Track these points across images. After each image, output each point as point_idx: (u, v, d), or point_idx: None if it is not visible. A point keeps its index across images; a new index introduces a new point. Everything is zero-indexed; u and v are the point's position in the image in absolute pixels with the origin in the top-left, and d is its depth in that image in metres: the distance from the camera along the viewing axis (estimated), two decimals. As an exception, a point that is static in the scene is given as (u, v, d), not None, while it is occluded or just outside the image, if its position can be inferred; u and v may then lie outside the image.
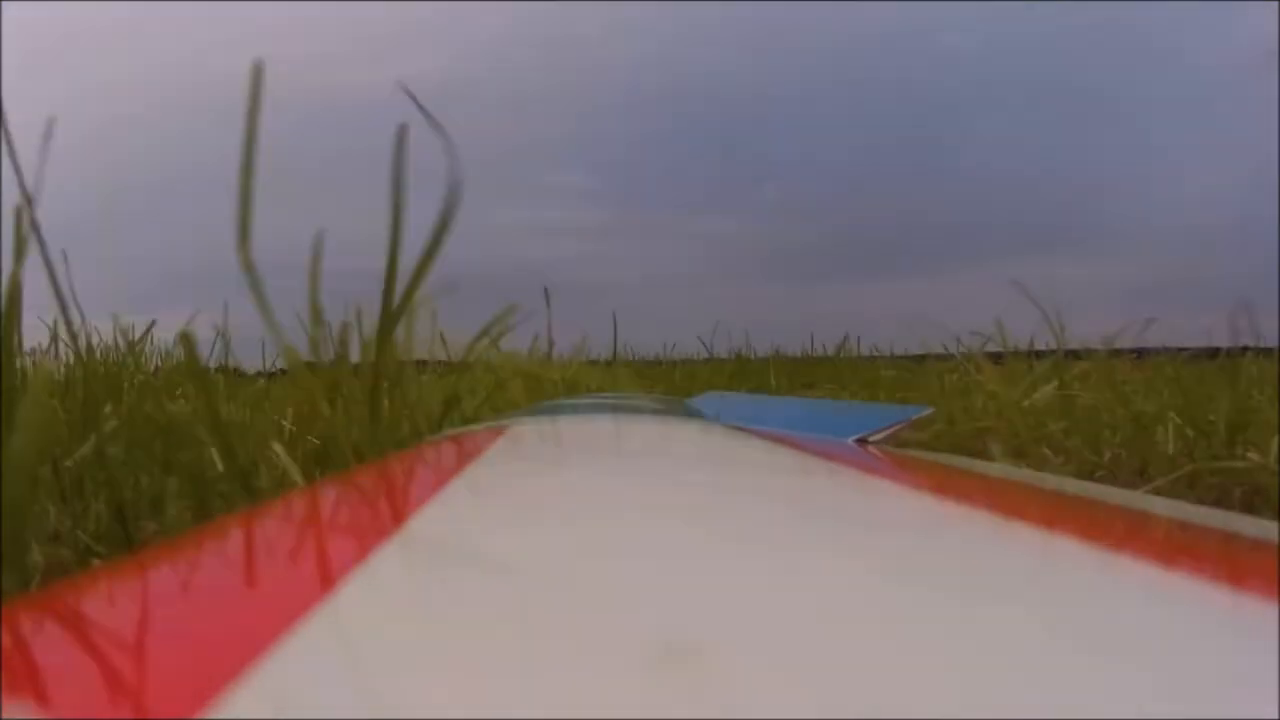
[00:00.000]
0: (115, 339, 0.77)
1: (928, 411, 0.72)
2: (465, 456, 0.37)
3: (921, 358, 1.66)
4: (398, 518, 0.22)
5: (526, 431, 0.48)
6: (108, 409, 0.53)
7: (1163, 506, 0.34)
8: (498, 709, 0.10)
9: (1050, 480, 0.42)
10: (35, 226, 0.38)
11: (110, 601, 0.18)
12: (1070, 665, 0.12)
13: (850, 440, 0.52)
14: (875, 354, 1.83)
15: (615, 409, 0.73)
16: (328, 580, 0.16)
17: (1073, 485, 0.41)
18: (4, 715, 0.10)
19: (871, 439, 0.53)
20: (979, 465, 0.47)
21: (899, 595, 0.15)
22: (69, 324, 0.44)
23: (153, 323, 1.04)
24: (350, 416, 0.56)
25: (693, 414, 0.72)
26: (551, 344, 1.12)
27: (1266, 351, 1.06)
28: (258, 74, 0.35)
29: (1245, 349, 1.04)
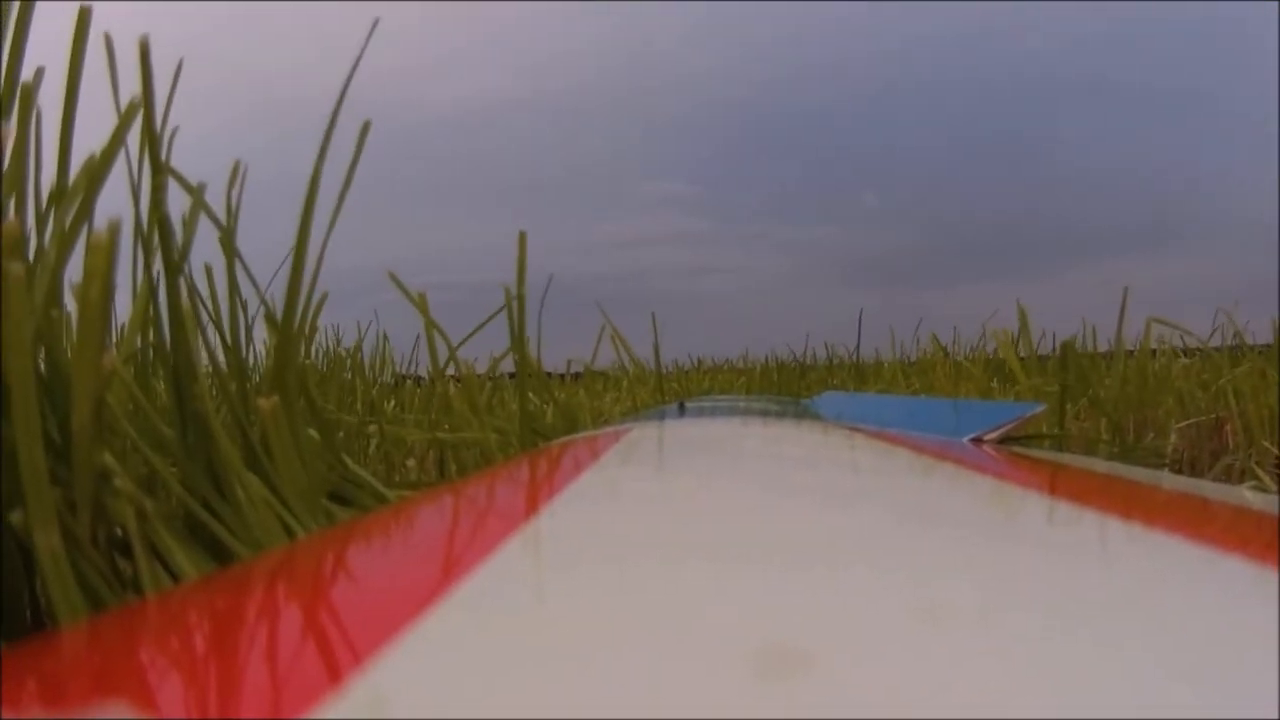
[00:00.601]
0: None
1: (1041, 408, 0.71)
2: (586, 459, 0.37)
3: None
4: (517, 519, 0.23)
5: (647, 435, 0.49)
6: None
7: (1263, 501, 0.34)
8: (602, 710, 0.10)
9: (1165, 477, 0.42)
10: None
11: (239, 599, 0.20)
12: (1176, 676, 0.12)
13: (965, 439, 0.51)
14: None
15: (733, 411, 0.73)
16: (449, 577, 0.17)
17: (1184, 482, 0.41)
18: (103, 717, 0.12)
19: (986, 437, 0.53)
20: (1093, 462, 0.47)
21: (1012, 600, 0.15)
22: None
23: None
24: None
25: (810, 415, 0.72)
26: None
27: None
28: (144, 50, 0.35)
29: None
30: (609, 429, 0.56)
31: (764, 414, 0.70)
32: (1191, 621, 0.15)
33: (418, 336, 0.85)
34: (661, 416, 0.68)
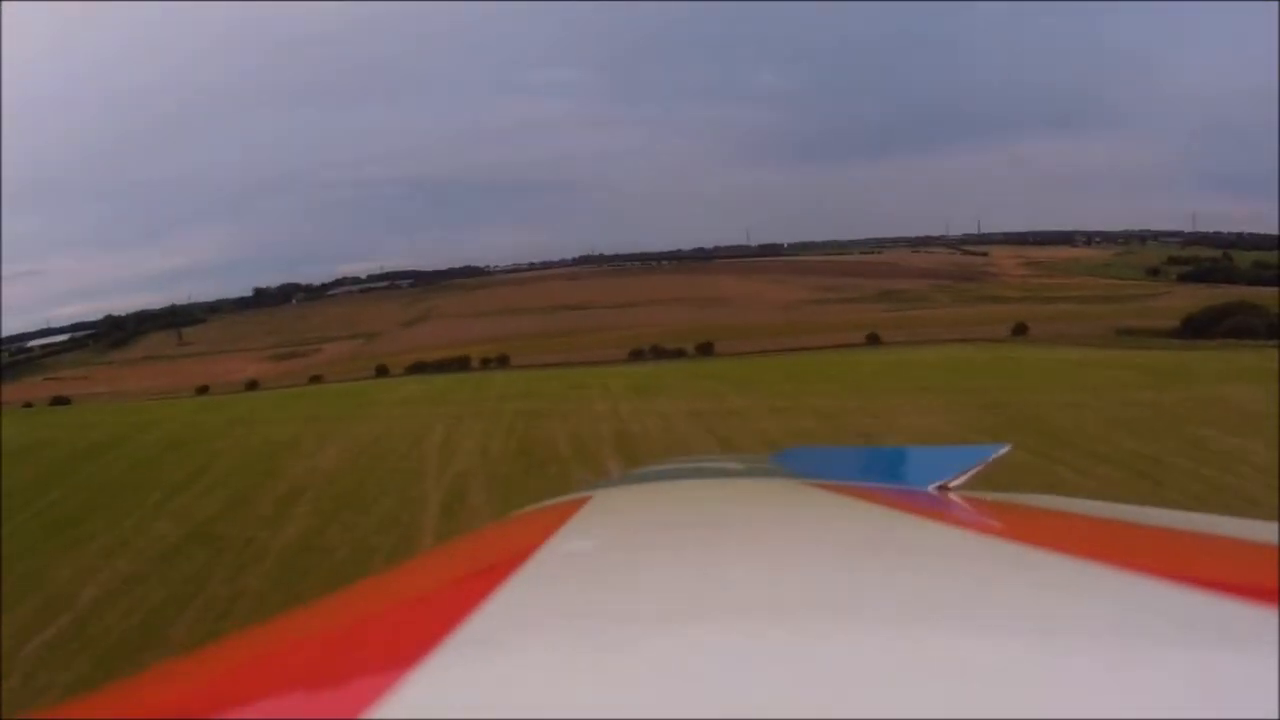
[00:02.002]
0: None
1: (1005, 449, 0.68)
2: (549, 528, 0.36)
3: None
4: (481, 593, 0.23)
5: (610, 501, 0.49)
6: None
7: (1234, 527, 0.34)
8: None
9: (1132, 511, 0.41)
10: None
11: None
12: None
13: (932, 487, 0.50)
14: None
15: (699, 473, 0.72)
16: (418, 652, 0.17)
17: (1151, 514, 0.41)
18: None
19: (952, 484, 0.51)
20: (1056, 501, 0.46)
21: (973, 651, 0.16)
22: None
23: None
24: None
25: (776, 473, 0.71)
26: None
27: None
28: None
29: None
30: (572, 496, 0.53)
31: (728, 474, 0.70)
32: (1129, 657, 0.15)
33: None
34: (629, 480, 0.67)
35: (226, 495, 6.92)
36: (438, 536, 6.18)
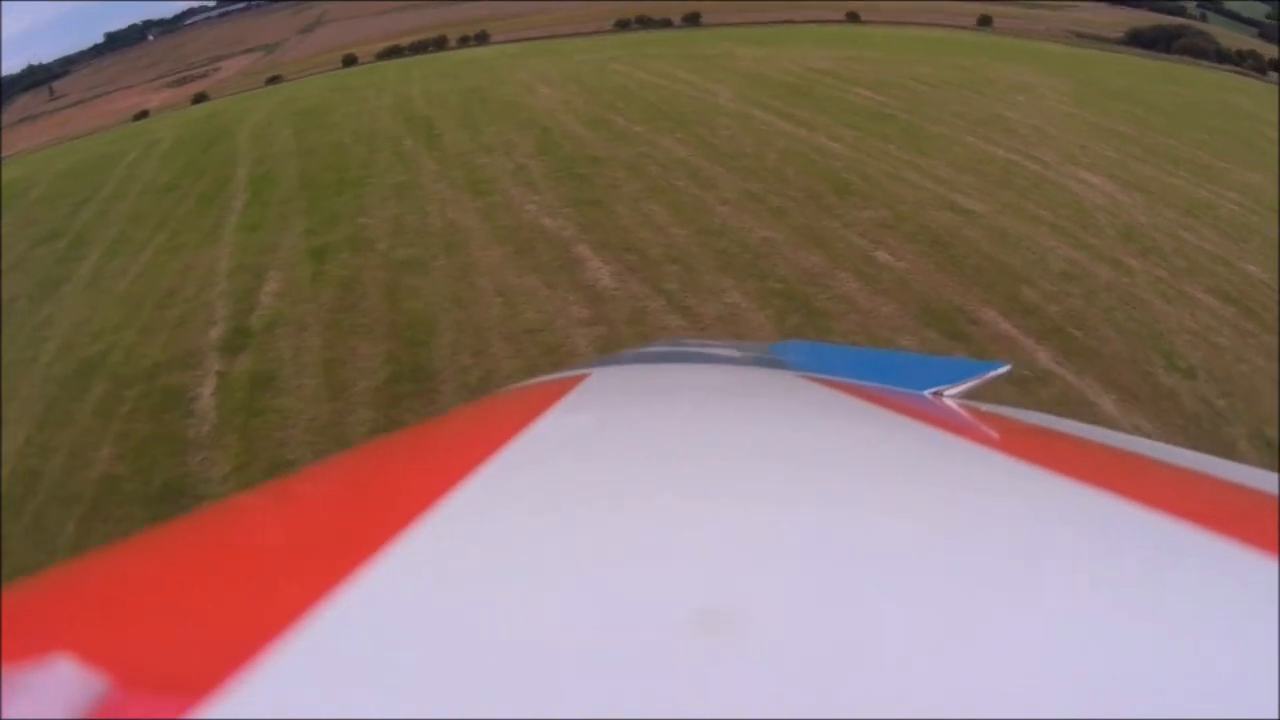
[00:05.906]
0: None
1: (1006, 368, 0.60)
2: (544, 403, 0.36)
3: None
4: (472, 464, 0.23)
5: (606, 380, 0.48)
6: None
7: (1217, 466, 0.33)
8: (540, 663, 0.12)
9: (1119, 437, 0.41)
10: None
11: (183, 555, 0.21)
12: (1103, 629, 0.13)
13: (927, 393, 0.48)
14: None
15: (696, 357, 0.71)
16: (406, 517, 0.17)
17: (1140, 444, 0.40)
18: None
19: (948, 393, 0.49)
20: (1051, 421, 0.45)
21: (949, 557, 0.16)
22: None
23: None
24: None
25: (773, 363, 0.67)
26: None
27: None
28: None
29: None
30: (569, 373, 0.52)
31: (728, 361, 0.67)
32: (1110, 579, 0.15)
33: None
34: (625, 360, 0.66)
35: (508, 134, 5.75)
36: (833, 138, 5.21)
